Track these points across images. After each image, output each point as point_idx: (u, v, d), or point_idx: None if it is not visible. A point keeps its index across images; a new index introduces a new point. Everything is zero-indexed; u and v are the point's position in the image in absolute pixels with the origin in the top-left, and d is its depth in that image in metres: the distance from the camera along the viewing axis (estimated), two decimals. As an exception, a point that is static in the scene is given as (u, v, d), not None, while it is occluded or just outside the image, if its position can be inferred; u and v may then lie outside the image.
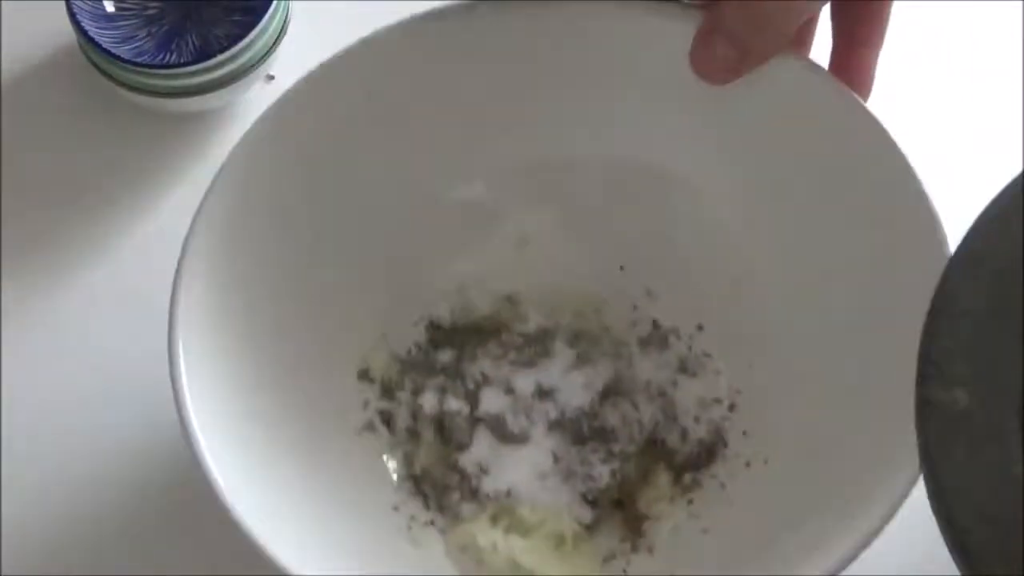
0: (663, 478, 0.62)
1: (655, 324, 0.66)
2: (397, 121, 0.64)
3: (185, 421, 0.55)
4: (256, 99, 0.72)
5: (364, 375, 0.64)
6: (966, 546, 0.34)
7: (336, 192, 0.63)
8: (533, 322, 0.65)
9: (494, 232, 0.67)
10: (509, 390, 0.62)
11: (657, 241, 0.66)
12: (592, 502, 0.61)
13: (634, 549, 0.60)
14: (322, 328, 0.63)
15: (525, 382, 0.63)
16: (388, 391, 0.64)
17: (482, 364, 0.63)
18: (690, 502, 0.61)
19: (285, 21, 0.72)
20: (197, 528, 0.62)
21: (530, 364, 0.63)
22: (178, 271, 0.58)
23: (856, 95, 0.59)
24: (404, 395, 0.64)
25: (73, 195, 0.73)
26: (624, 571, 0.60)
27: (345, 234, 0.64)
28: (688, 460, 0.62)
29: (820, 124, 0.60)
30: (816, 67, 0.60)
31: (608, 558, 0.60)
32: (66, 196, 0.73)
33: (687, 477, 0.62)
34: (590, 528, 0.61)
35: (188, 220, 0.68)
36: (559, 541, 0.60)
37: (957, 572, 0.36)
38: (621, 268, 0.66)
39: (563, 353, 0.64)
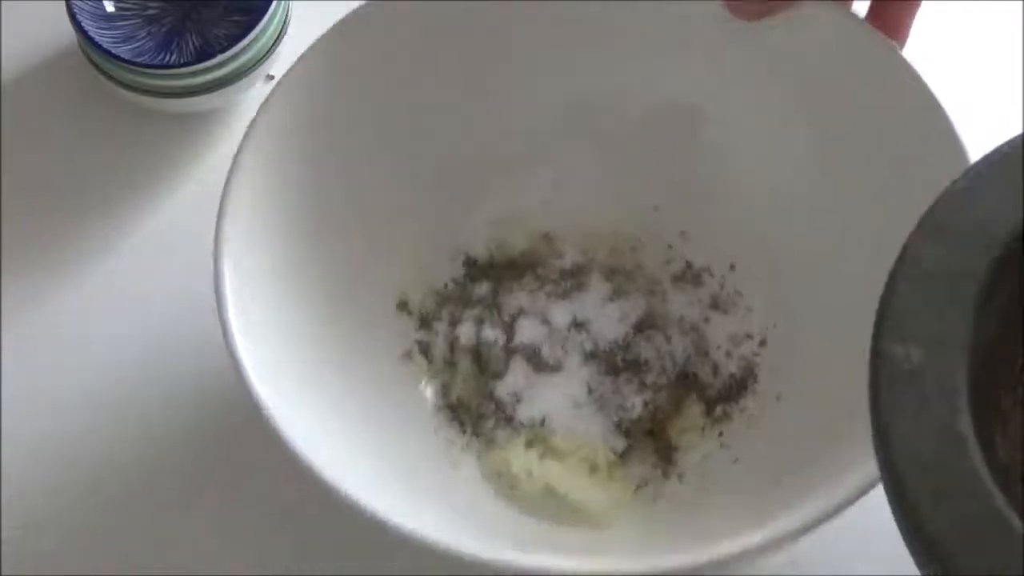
0: (694, 410, 0.63)
1: (688, 263, 0.67)
2: (439, 60, 0.65)
3: (230, 341, 0.56)
4: (256, 99, 0.69)
5: (403, 307, 0.66)
6: (904, 495, 0.35)
7: (378, 128, 0.65)
8: (569, 258, 0.66)
9: (531, 171, 0.68)
10: (545, 321, 0.64)
11: (691, 182, 0.67)
12: (625, 431, 0.62)
13: (665, 476, 0.62)
14: (362, 260, 0.64)
15: (561, 314, 0.64)
16: (426, 322, 0.66)
17: (518, 296, 0.65)
18: (720, 433, 0.62)
19: (285, 21, 0.71)
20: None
21: (565, 296, 0.65)
22: (224, 197, 0.59)
23: (891, 41, 0.61)
24: (441, 326, 0.65)
25: (73, 195, 0.73)
26: (655, 498, 0.61)
27: (386, 169, 0.65)
28: (719, 393, 0.64)
29: (856, 69, 0.61)
30: (852, 15, 0.62)
31: (640, 485, 0.62)
32: (66, 196, 0.73)
33: (718, 409, 0.63)
34: (623, 456, 0.62)
35: (188, 220, 0.70)
36: (592, 468, 0.61)
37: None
38: (655, 209, 0.68)
39: (598, 287, 0.65)
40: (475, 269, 0.67)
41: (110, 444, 0.66)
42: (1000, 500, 0.35)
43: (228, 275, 0.57)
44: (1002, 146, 0.41)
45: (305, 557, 0.63)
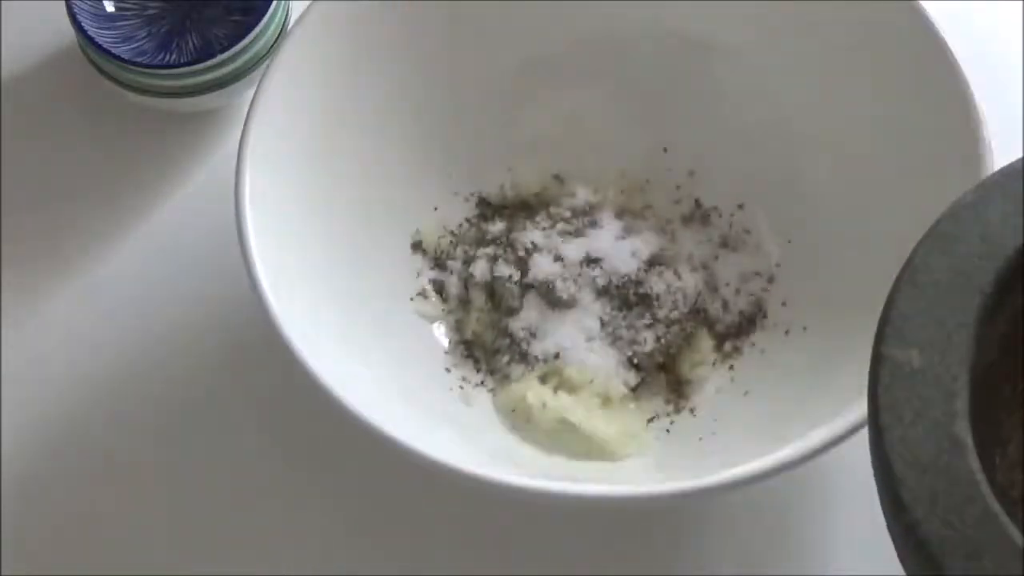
0: (705, 344, 0.64)
1: (697, 203, 0.68)
2: (451, 11, 0.66)
3: (253, 273, 0.57)
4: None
5: (417, 247, 0.67)
6: (899, 495, 0.36)
7: (393, 70, 0.66)
8: (580, 197, 0.67)
9: (542, 112, 0.69)
10: (558, 257, 0.64)
11: (701, 121, 0.68)
12: (637, 365, 0.63)
13: (677, 410, 0.63)
14: (376, 202, 0.65)
15: (574, 250, 0.65)
16: (440, 262, 0.67)
17: (532, 234, 0.66)
18: (731, 367, 0.64)
19: (285, 21, 0.71)
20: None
21: (578, 234, 0.66)
22: (244, 136, 0.60)
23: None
24: (455, 264, 0.66)
25: (73, 194, 0.72)
26: (667, 430, 0.62)
27: (399, 112, 0.66)
28: (729, 329, 0.65)
29: (871, 10, 0.62)
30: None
31: (652, 418, 0.63)
32: (66, 195, 0.72)
33: (728, 344, 0.64)
34: (635, 390, 0.63)
35: (188, 219, 0.70)
36: (605, 400, 0.62)
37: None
38: (665, 150, 0.69)
39: (610, 224, 0.66)
40: (489, 209, 0.68)
41: (109, 441, 0.66)
42: (997, 506, 0.35)
43: (250, 217, 0.58)
44: (1015, 162, 0.41)
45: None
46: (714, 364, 0.64)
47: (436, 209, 0.67)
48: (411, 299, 0.65)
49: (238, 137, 0.60)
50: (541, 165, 0.68)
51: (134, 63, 0.69)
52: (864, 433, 0.51)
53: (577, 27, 0.67)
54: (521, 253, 0.65)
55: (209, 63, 0.69)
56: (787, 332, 0.63)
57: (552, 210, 0.67)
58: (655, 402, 0.63)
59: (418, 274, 0.66)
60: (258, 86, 0.61)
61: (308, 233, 0.62)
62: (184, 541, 0.64)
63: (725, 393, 0.63)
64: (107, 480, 0.66)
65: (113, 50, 0.69)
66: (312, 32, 0.63)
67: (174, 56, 0.71)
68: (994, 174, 0.42)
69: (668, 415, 0.63)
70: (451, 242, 0.67)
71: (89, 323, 0.69)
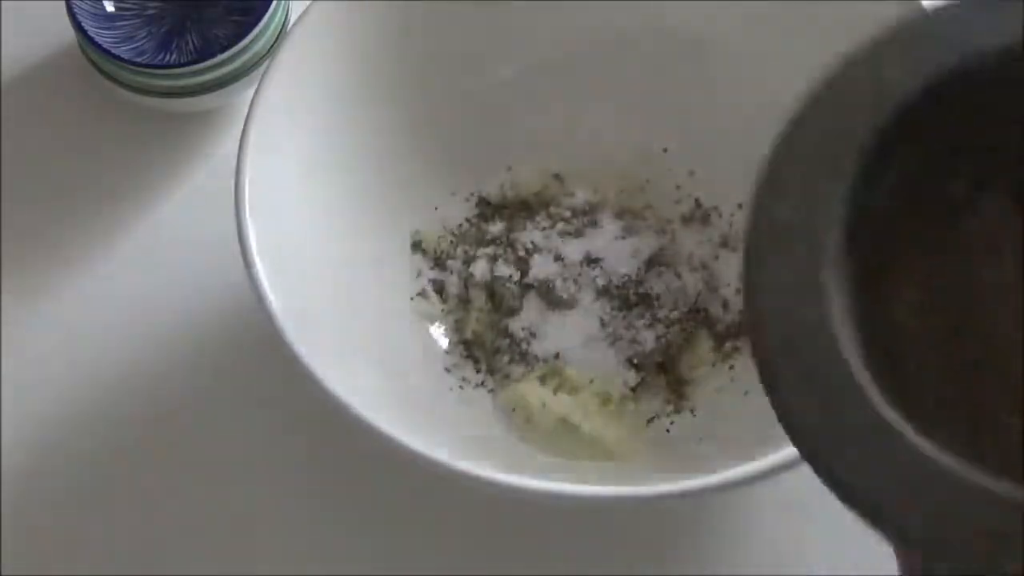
0: (705, 344, 0.64)
1: (697, 203, 0.68)
2: (450, 9, 0.66)
3: (253, 272, 0.57)
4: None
5: (417, 247, 0.67)
6: (761, 344, 0.36)
7: (396, 66, 0.66)
8: (580, 197, 0.67)
9: (542, 112, 0.69)
10: (558, 257, 0.65)
11: (701, 121, 0.68)
12: (637, 365, 0.63)
13: (677, 410, 0.63)
14: (377, 202, 0.65)
15: (574, 250, 0.65)
16: (440, 262, 0.67)
17: (532, 234, 0.66)
18: (731, 367, 0.64)
19: (285, 21, 0.71)
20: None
21: (578, 234, 0.66)
22: (245, 133, 0.60)
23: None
24: (455, 264, 0.66)
25: (73, 194, 0.72)
26: (667, 430, 0.62)
27: (401, 109, 0.66)
28: (729, 329, 0.65)
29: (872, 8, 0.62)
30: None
31: (653, 418, 0.63)
32: (66, 195, 0.72)
33: (728, 344, 0.64)
34: (635, 390, 0.63)
35: (188, 219, 0.70)
36: (605, 400, 0.62)
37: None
38: (664, 150, 0.69)
39: (610, 224, 0.66)
40: (488, 209, 0.68)
41: (111, 440, 0.67)
42: (849, 348, 0.35)
43: (250, 218, 0.58)
44: (904, 19, 0.40)
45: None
46: (714, 364, 0.64)
47: (436, 209, 0.67)
48: (411, 299, 0.65)
49: (238, 137, 0.60)
50: (541, 165, 0.68)
51: (134, 63, 0.69)
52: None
53: (576, 27, 0.67)
54: (521, 253, 0.65)
55: (209, 63, 0.69)
56: (787, 332, 0.63)
57: (552, 210, 0.67)
58: (655, 402, 0.63)
59: (418, 274, 0.66)
60: (258, 86, 0.61)
61: (308, 233, 0.62)
62: (186, 539, 0.64)
63: (725, 393, 0.63)
64: (107, 480, 0.66)
65: (113, 50, 0.69)
66: (312, 32, 0.63)
67: (174, 56, 0.71)
68: (883, 30, 0.41)
69: (668, 415, 0.63)
70: (451, 242, 0.67)
71: (89, 323, 0.69)
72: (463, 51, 0.67)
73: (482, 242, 0.66)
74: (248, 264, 0.57)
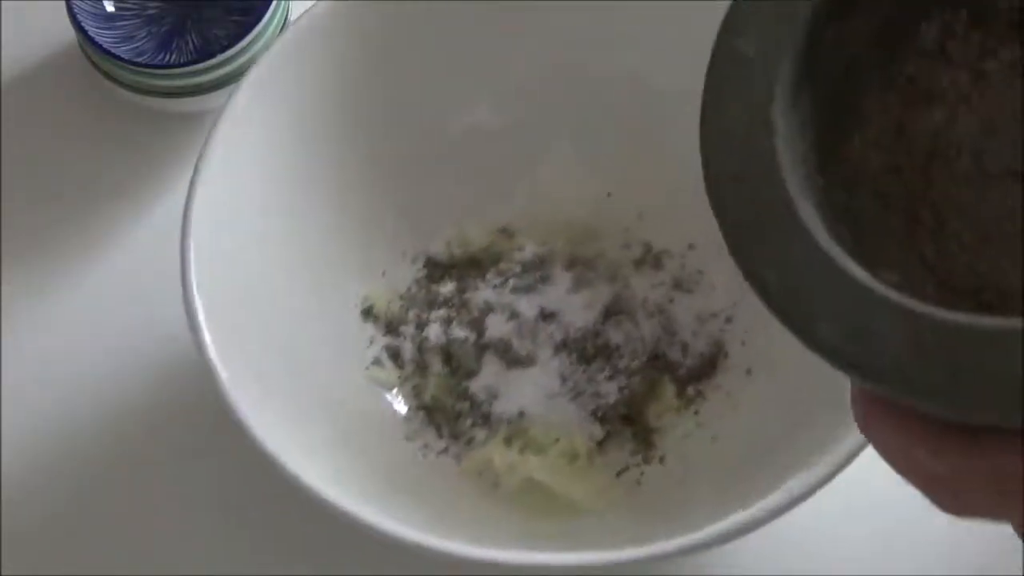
0: (668, 391, 0.63)
1: (647, 246, 0.67)
2: (397, 61, 0.65)
3: (206, 354, 0.55)
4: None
5: (368, 313, 0.65)
6: (709, 170, 0.37)
7: (334, 134, 0.65)
8: (529, 250, 0.66)
9: (486, 166, 0.68)
10: (513, 315, 0.63)
11: (646, 163, 0.67)
12: (601, 419, 0.62)
13: (646, 460, 0.62)
14: (323, 272, 0.64)
15: (528, 306, 0.64)
16: (392, 328, 0.65)
17: (484, 293, 0.65)
18: (696, 412, 0.63)
19: (285, 21, 0.71)
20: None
21: (531, 289, 0.65)
22: (187, 211, 0.59)
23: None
24: (409, 329, 0.65)
25: (73, 195, 0.73)
26: (638, 482, 0.61)
27: (341, 175, 0.65)
28: (691, 372, 0.64)
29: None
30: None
31: (622, 471, 0.62)
32: (66, 196, 0.73)
33: (691, 389, 0.63)
34: (602, 444, 0.62)
35: None
36: (573, 457, 0.61)
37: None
38: (608, 195, 0.68)
39: (562, 277, 0.65)
40: (437, 269, 0.67)
41: (109, 440, 0.67)
42: (790, 178, 0.36)
43: (198, 292, 0.57)
44: None
45: (287, 561, 0.63)
46: (679, 410, 0.63)
47: (384, 274, 0.66)
48: (366, 368, 0.64)
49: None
50: (486, 219, 0.68)
51: (134, 63, 0.70)
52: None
53: (517, 81, 0.67)
54: (475, 314, 0.64)
55: (209, 63, 0.69)
56: (749, 371, 0.63)
57: (502, 266, 0.66)
58: (623, 454, 0.62)
59: (371, 342, 0.65)
60: (200, 155, 0.60)
61: (257, 305, 0.61)
62: (186, 539, 0.64)
63: (693, 439, 0.62)
64: (107, 481, 0.66)
65: (113, 50, 0.69)
66: (256, 96, 0.62)
67: (174, 56, 0.72)
68: None
69: (638, 466, 0.62)
70: (402, 306, 0.66)
71: (89, 322, 0.69)
72: (404, 112, 0.66)
73: (434, 304, 0.65)
74: (197, 337, 0.56)
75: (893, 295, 0.33)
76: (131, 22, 0.73)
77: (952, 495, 0.31)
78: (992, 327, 0.31)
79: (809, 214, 0.35)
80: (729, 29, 0.38)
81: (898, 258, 0.36)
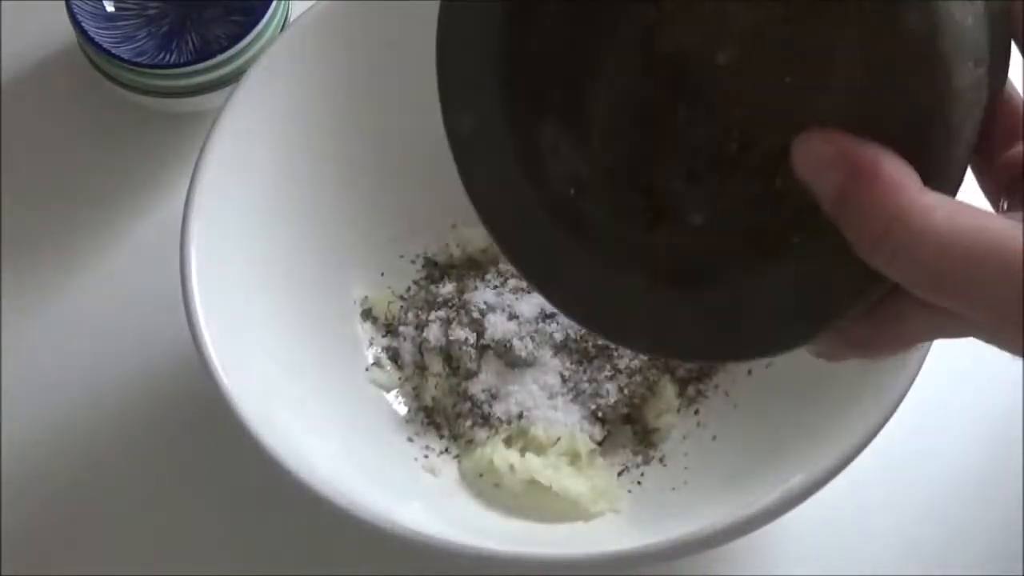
0: (669, 391, 0.63)
1: (647, 245, 0.67)
2: (393, 64, 0.65)
3: (206, 354, 0.55)
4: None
5: (367, 315, 0.65)
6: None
7: (333, 133, 0.65)
8: (528, 251, 0.66)
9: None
10: (513, 316, 0.63)
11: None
12: (602, 419, 0.62)
13: (646, 461, 0.62)
14: (324, 274, 0.64)
15: (528, 306, 0.63)
16: (391, 329, 0.65)
17: (484, 294, 0.64)
18: (696, 412, 0.63)
19: (285, 21, 0.72)
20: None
21: (531, 289, 0.64)
22: (185, 222, 0.59)
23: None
24: (408, 330, 0.65)
25: (73, 194, 0.73)
26: (638, 482, 0.61)
27: (340, 175, 0.65)
28: (691, 372, 0.64)
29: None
30: None
31: (622, 471, 0.62)
32: (65, 196, 0.73)
33: (691, 389, 0.63)
34: (602, 444, 0.62)
35: None
36: (574, 457, 0.61)
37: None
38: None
39: (562, 276, 0.65)
40: (436, 270, 0.67)
41: (109, 441, 0.67)
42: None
43: (198, 294, 0.57)
44: None
45: (287, 561, 0.64)
46: (679, 410, 0.63)
47: (383, 275, 0.66)
48: (366, 369, 0.64)
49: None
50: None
51: (134, 63, 0.70)
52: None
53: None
54: (475, 314, 0.63)
55: (209, 63, 0.69)
56: (750, 372, 0.63)
57: (501, 266, 0.66)
58: (623, 454, 0.62)
59: (370, 343, 0.65)
60: (200, 155, 0.60)
61: (257, 307, 0.61)
62: (184, 538, 0.64)
63: (693, 439, 0.62)
64: (107, 481, 0.66)
65: (113, 50, 0.70)
66: (252, 99, 0.62)
67: (174, 56, 0.72)
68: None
69: (638, 466, 0.62)
70: (401, 307, 0.66)
71: (89, 322, 0.69)
72: (404, 112, 0.65)
73: (433, 305, 0.65)
74: (197, 338, 0.56)
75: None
76: (131, 22, 0.73)
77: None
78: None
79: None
80: (447, 106, 0.43)
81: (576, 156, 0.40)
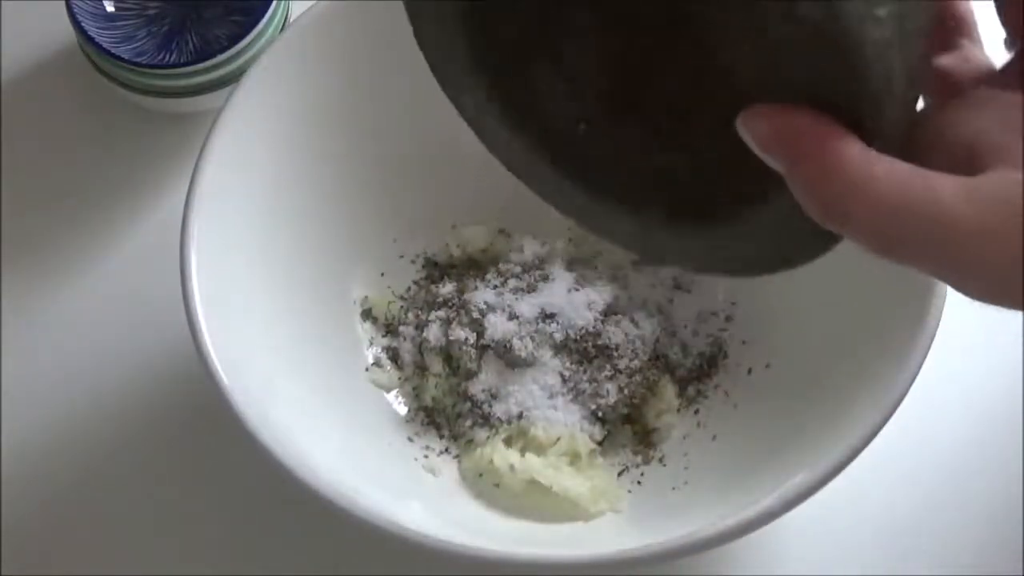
0: (669, 391, 0.63)
1: (647, 246, 0.67)
2: (392, 64, 0.64)
3: (206, 354, 0.55)
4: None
5: (367, 315, 0.65)
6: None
7: (333, 133, 0.65)
8: (528, 251, 0.66)
9: (484, 168, 0.67)
10: (513, 316, 0.63)
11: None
12: (602, 419, 0.62)
13: (646, 461, 0.62)
14: (324, 274, 0.64)
15: (528, 307, 0.63)
16: (391, 329, 0.65)
17: (484, 294, 0.64)
18: (696, 412, 0.63)
19: (285, 21, 0.71)
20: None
21: (531, 289, 0.64)
22: (186, 221, 0.59)
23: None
24: (408, 330, 0.65)
25: (73, 195, 0.73)
26: (638, 482, 0.61)
27: (340, 175, 0.65)
28: (691, 373, 0.64)
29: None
30: None
31: (622, 471, 0.62)
32: (66, 196, 0.73)
33: (691, 389, 0.63)
34: (602, 444, 0.62)
35: None
36: (574, 457, 0.61)
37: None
38: (609, 194, 0.68)
39: (562, 276, 0.65)
40: (436, 270, 0.67)
41: (109, 441, 0.67)
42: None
43: (199, 300, 0.57)
44: None
45: (287, 560, 0.63)
46: (679, 410, 0.63)
47: (383, 275, 0.66)
48: (366, 369, 0.64)
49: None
50: (485, 221, 0.67)
51: (134, 63, 0.70)
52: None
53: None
54: (475, 314, 0.63)
55: (209, 63, 0.69)
56: (750, 371, 0.63)
57: (501, 266, 0.66)
58: (623, 454, 0.62)
59: (370, 343, 0.65)
60: (200, 155, 0.60)
61: (257, 307, 0.61)
62: (183, 538, 0.64)
63: (693, 439, 0.62)
64: (107, 481, 0.66)
65: (113, 50, 0.70)
66: (252, 98, 0.61)
67: (174, 56, 0.72)
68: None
69: (638, 466, 0.62)
70: (401, 307, 0.66)
71: (89, 321, 0.69)
72: (404, 112, 0.66)
73: (433, 305, 0.65)
74: (197, 338, 0.56)
75: None
76: (131, 22, 0.73)
77: None
78: None
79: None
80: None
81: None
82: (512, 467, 0.60)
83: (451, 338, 0.63)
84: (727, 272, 0.42)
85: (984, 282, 0.33)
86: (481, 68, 0.44)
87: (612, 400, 0.62)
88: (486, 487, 0.61)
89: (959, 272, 0.33)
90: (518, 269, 0.65)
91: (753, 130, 0.35)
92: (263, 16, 0.69)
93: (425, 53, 0.44)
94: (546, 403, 0.62)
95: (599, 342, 0.63)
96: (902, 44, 0.34)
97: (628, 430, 0.63)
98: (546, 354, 0.63)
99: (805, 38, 0.34)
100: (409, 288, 0.67)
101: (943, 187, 0.33)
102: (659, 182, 0.42)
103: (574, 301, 0.63)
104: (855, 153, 0.34)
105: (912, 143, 0.35)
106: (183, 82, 0.70)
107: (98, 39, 0.69)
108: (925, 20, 0.34)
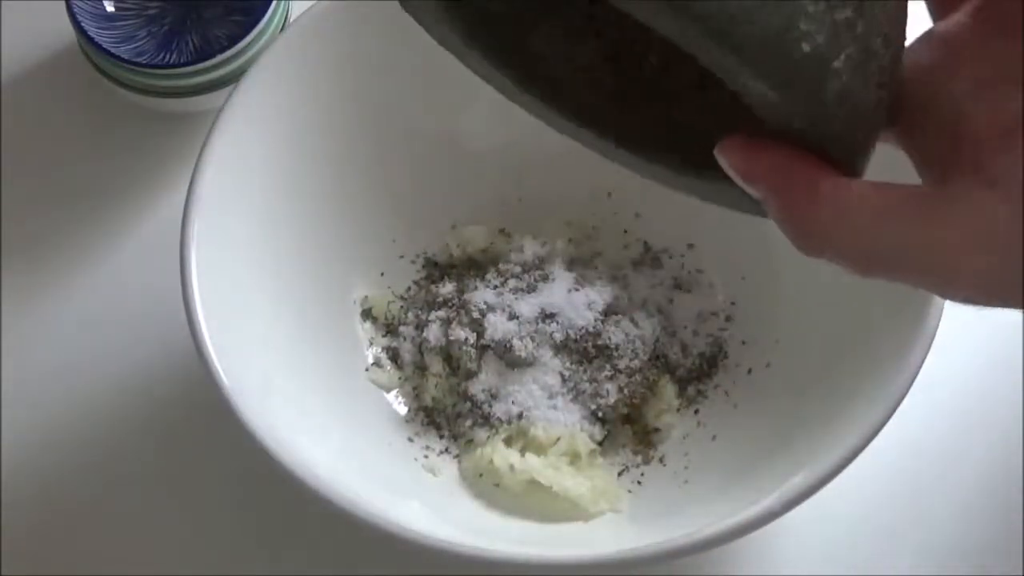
0: (669, 391, 0.63)
1: (646, 245, 0.67)
2: (392, 65, 0.65)
3: (206, 354, 0.55)
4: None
5: (367, 314, 0.65)
6: None
7: (333, 133, 0.64)
8: (528, 251, 0.66)
9: (484, 168, 0.68)
10: (513, 316, 0.63)
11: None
12: (602, 419, 0.62)
13: (646, 461, 0.62)
14: (324, 275, 0.64)
15: (528, 307, 0.63)
16: (391, 328, 0.65)
17: (484, 294, 0.64)
18: (696, 412, 0.63)
19: (285, 21, 0.71)
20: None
21: (531, 289, 0.64)
22: (185, 222, 0.59)
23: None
24: (408, 330, 0.65)
25: (73, 195, 0.73)
26: (639, 482, 0.61)
27: (340, 175, 0.65)
28: (691, 372, 0.64)
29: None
30: None
31: (622, 471, 0.62)
32: (66, 196, 0.73)
33: (691, 389, 0.63)
34: (602, 444, 0.62)
35: None
36: (574, 457, 0.61)
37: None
38: (609, 195, 0.68)
39: (562, 276, 0.65)
40: (436, 270, 0.67)
41: (108, 441, 0.67)
42: None
43: (199, 294, 0.57)
44: None
45: (287, 560, 0.63)
46: (679, 410, 0.63)
47: (383, 275, 0.66)
48: (366, 369, 0.64)
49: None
50: (485, 221, 0.67)
51: (134, 63, 0.69)
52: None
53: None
54: (475, 314, 0.63)
55: (209, 63, 0.69)
56: (750, 371, 0.63)
57: (501, 266, 0.66)
58: (623, 454, 0.62)
59: (370, 343, 0.65)
60: (200, 155, 0.60)
61: (257, 307, 0.61)
62: (183, 539, 0.64)
63: (693, 439, 0.62)
64: (107, 479, 0.66)
65: (113, 50, 0.69)
66: (252, 99, 0.61)
67: (174, 56, 0.72)
68: None
69: (638, 466, 0.62)
70: (401, 307, 0.66)
71: (90, 321, 0.69)
72: (404, 112, 0.66)
73: (433, 305, 0.65)
74: (197, 338, 0.56)
75: None
76: (131, 22, 0.73)
77: None
78: None
79: None
80: None
81: None
82: (512, 467, 0.60)
83: (451, 338, 0.63)
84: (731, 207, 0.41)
85: (969, 289, 0.34)
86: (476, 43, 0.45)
87: (612, 400, 0.62)
88: (486, 487, 0.61)
89: (942, 281, 0.34)
90: (518, 269, 0.65)
91: (729, 161, 0.36)
92: (263, 16, 0.69)
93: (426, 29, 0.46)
94: (546, 403, 0.62)
95: (599, 342, 0.63)
96: (864, 82, 0.34)
97: (628, 430, 0.63)
98: (546, 354, 0.63)
99: (770, 105, 0.34)
100: (409, 288, 0.67)
101: (915, 204, 0.34)
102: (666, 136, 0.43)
103: (574, 301, 0.63)
104: (828, 185, 0.34)
105: (908, 99, 0.35)
106: (183, 82, 0.70)
107: (98, 39, 0.69)
108: (890, 61, 0.35)
